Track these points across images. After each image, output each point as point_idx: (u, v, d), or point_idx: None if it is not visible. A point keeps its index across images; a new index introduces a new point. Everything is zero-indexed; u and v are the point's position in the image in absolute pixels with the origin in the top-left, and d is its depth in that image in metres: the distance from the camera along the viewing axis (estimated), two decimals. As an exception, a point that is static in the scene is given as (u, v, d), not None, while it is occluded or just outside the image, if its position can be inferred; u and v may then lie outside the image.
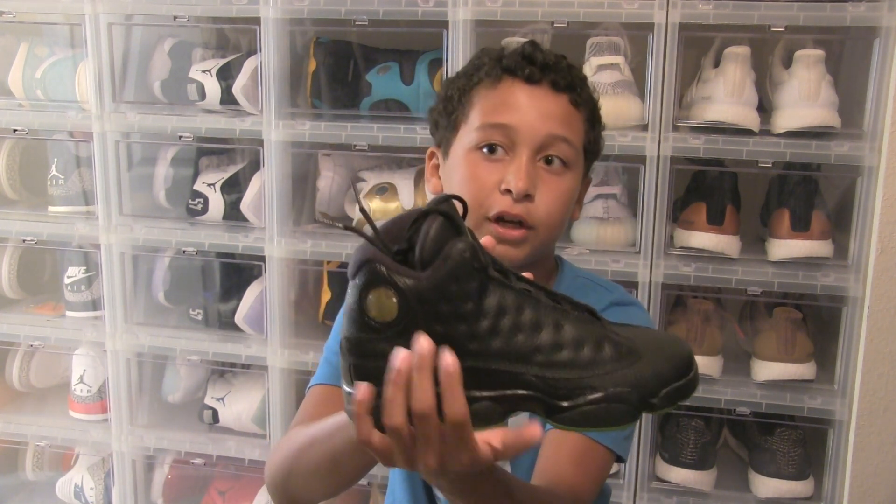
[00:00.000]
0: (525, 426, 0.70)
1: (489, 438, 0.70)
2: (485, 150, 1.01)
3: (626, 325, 0.75)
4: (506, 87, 1.01)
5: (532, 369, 0.70)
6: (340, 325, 0.74)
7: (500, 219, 1.00)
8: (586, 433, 0.97)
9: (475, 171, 1.01)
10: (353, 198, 1.79)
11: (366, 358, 0.69)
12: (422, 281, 0.68)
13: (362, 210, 0.72)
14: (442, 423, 0.67)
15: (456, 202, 0.72)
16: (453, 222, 0.70)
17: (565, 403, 0.71)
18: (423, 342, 0.66)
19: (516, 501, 0.83)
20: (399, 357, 0.66)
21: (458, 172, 1.03)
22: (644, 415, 1.05)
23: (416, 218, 0.71)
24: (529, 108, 1.00)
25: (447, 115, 1.06)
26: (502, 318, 0.70)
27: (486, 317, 0.70)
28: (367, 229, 0.72)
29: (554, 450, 0.99)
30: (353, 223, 1.76)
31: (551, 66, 1.01)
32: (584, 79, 1.06)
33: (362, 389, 0.68)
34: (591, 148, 1.06)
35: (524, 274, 0.74)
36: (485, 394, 0.70)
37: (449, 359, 0.66)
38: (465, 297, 0.69)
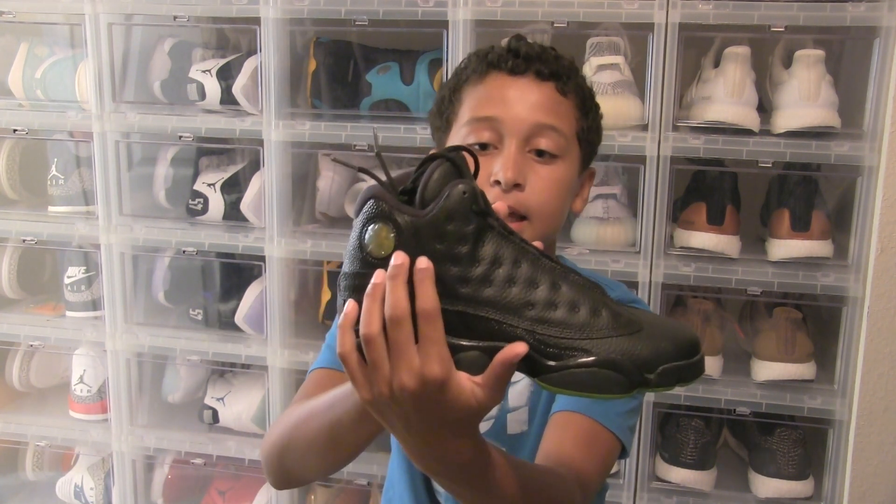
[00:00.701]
0: (507, 347, 0.68)
1: (471, 378, 0.69)
2: (474, 145, 1.01)
3: (632, 307, 0.74)
4: (491, 80, 1.02)
5: (523, 323, 0.70)
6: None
7: None
8: (573, 396, 0.96)
9: None
10: (353, 197, 1.79)
11: (362, 292, 0.69)
12: (419, 218, 0.69)
13: (378, 155, 0.72)
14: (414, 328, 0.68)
15: (467, 156, 0.72)
16: (459, 170, 0.70)
17: (553, 363, 0.69)
18: (399, 256, 0.67)
19: (517, 479, 0.80)
20: (377, 274, 0.68)
21: None
22: (643, 396, 1.04)
23: (423, 161, 0.71)
24: (514, 100, 1.00)
25: (440, 115, 1.07)
26: (497, 267, 0.70)
27: (481, 263, 0.69)
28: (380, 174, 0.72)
29: (558, 432, 0.98)
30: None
31: (535, 57, 1.02)
32: (572, 68, 1.05)
33: (350, 304, 0.70)
34: (586, 136, 1.05)
35: (535, 243, 0.73)
36: (473, 343, 0.70)
37: (423, 261, 0.67)
38: (460, 238, 0.69)
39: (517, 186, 0.98)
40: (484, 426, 1.07)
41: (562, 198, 1.03)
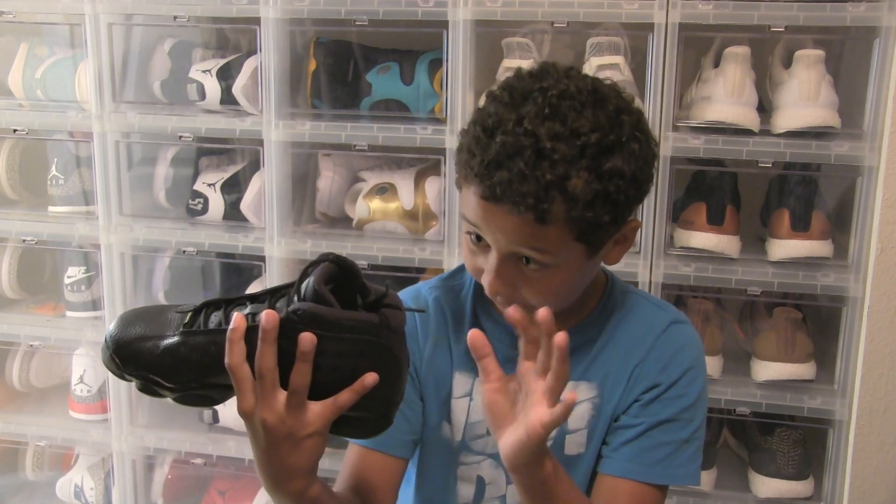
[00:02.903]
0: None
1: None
2: (471, 235, 0.97)
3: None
4: (471, 191, 0.92)
5: None
6: None
7: None
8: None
9: (467, 254, 1.00)
10: (353, 197, 1.79)
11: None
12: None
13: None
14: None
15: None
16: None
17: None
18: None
19: None
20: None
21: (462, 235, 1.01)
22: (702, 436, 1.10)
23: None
24: (489, 223, 0.92)
25: (455, 160, 0.99)
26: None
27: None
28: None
29: (607, 498, 1.01)
30: (354, 223, 1.76)
31: (512, 184, 0.87)
32: (564, 178, 0.87)
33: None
34: (593, 232, 0.91)
35: None
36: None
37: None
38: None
39: (506, 296, 0.95)
40: None
41: (565, 293, 0.97)
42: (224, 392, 0.88)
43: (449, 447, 1.09)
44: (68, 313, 1.96)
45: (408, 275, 1.72)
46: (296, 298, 0.83)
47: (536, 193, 0.87)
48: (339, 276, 0.85)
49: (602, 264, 1.06)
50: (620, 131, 0.90)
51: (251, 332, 0.82)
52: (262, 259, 1.76)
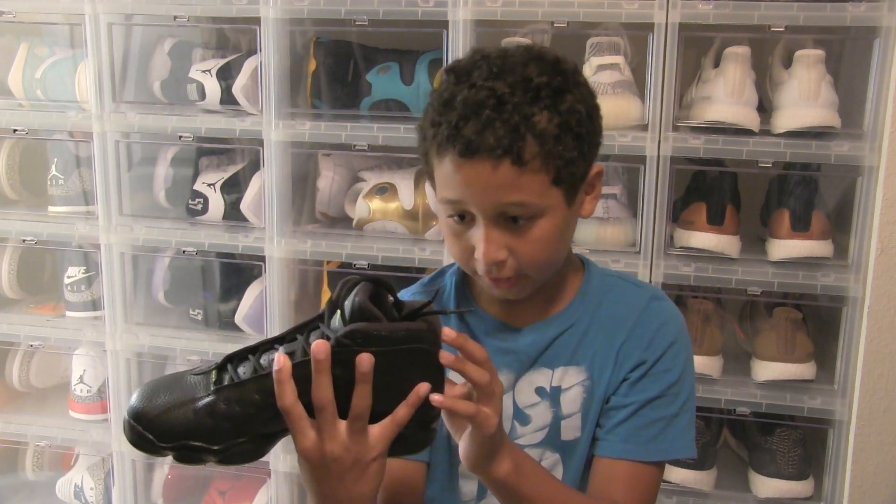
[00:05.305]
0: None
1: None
2: (454, 217, 0.98)
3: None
4: (447, 162, 0.94)
5: None
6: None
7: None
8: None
9: (451, 237, 1.00)
10: (353, 197, 1.79)
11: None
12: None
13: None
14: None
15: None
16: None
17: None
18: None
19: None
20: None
21: (441, 225, 1.02)
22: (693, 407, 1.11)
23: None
24: (471, 184, 0.93)
25: (422, 155, 1.01)
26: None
27: None
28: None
29: (605, 480, 1.03)
30: (354, 223, 1.76)
31: (483, 133, 0.90)
32: (529, 117, 0.91)
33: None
34: (568, 173, 0.95)
35: None
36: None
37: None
38: None
39: (500, 262, 0.96)
40: (539, 435, 1.07)
41: (554, 246, 0.99)
42: (268, 441, 0.86)
43: (449, 446, 1.10)
44: (68, 313, 1.96)
45: (408, 275, 1.72)
46: (338, 323, 0.82)
47: (508, 135, 0.90)
48: (375, 293, 0.84)
49: (585, 258, 1.12)
50: (566, 76, 0.95)
51: (295, 370, 0.82)
52: (262, 259, 1.76)
